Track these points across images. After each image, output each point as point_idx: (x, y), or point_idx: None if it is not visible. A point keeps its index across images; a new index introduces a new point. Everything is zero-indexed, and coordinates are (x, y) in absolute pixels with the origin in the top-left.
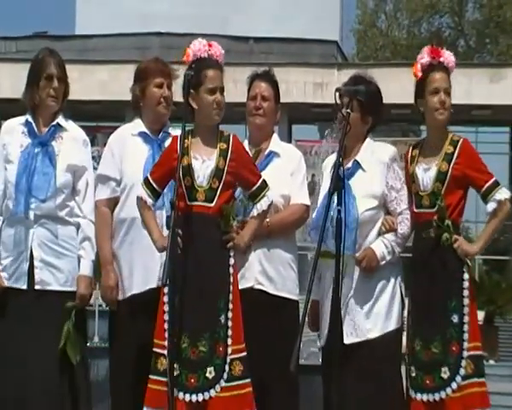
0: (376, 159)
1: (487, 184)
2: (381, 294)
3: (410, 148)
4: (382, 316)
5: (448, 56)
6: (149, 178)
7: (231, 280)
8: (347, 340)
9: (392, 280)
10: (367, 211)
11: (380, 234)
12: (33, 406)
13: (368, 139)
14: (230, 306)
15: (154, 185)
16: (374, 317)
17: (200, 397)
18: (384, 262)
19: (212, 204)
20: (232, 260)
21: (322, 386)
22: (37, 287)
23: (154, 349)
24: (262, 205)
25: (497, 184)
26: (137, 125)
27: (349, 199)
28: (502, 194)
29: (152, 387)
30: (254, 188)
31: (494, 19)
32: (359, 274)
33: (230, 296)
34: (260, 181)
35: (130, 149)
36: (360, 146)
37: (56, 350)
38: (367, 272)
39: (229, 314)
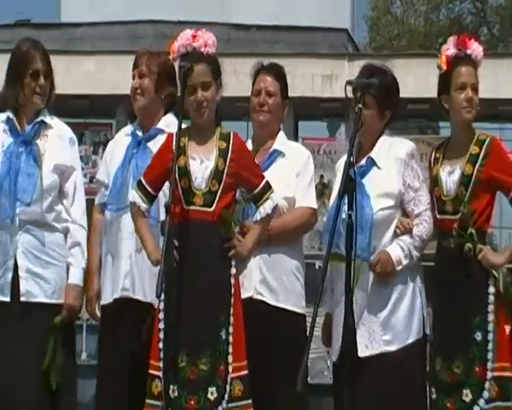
0: (393, 155)
1: None
2: (399, 302)
3: (434, 149)
4: (401, 326)
5: (476, 48)
6: (143, 180)
7: (232, 292)
8: (362, 353)
9: (411, 286)
10: (382, 211)
11: (395, 237)
12: None
13: (384, 135)
14: (231, 320)
15: (148, 188)
16: (392, 328)
17: None
18: (401, 267)
19: (212, 209)
20: (233, 270)
21: (332, 407)
22: (22, 299)
23: (150, 371)
24: (266, 208)
25: None
26: (135, 123)
27: (363, 198)
28: None
29: None
30: (257, 190)
31: None
32: (374, 280)
33: (231, 310)
34: (263, 182)
35: (118, 149)
36: (376, 142)
37: (40, 372)
38: (382, 277)
39: (230, 329)
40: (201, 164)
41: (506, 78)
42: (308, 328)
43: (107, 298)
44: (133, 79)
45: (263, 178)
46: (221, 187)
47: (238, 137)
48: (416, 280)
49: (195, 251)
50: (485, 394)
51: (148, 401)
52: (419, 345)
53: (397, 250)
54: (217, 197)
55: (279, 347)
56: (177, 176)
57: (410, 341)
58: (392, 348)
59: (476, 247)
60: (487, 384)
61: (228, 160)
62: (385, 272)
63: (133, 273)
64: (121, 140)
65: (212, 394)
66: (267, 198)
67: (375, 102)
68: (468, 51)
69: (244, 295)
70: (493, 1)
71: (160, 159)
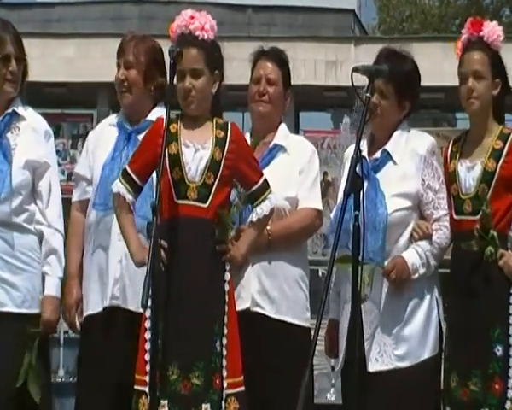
0: (411, 151)
1: None
2: (414, 314)
3: (451, 142)
4: (415, 341)
5: (490, 30)
6: (128, 169)
7: (227, 299)
8: (372, 367)
9: (428, 298)
10: (398, 211)
11: (411, 242)
12: None
13: (400, 128)
14: (225, 330)
15: (135, 177)
16: (405, 342)
17: None
18: (417, 275)
19: (206, 204)
20: (228, 276)
21: None
22: None
23: (135, 387)
24: (263, 209)
25: None
26: (120, 114)
27: (377, 196)
28: None
29: None
30: (255, 188)
31: None
32: (388, 289)
33: (226, 319)
34: (262, 180)
35: (103, 142)
36: (391, 135)
37: (13, 389)
38: (396, 285)
39: (224, 341)
40: (196, 153)
41: None
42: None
43: (92, 308)
44: (118, 68)
45: (262, 175)
46: (217, 180)
47: (237, 128)
48: (434, 290)
49: (186, 252)
50: None
51: None
52: (435, 362)
53: (414, 257)
54: (212, 192)
55: (280, 364)
56: (167, 165)
57: (424, 357)
58: (405, 364)
59: (498, 251)
60: (508, 404)
61: (226, 150)
62: (400, 279)
63: (124, 280)
64: (106, 131)
65: None
66: (265, 198)
67: (395, 92)
68: (481, 34)
69: (241, 306)
70: None
71: (147, 145)
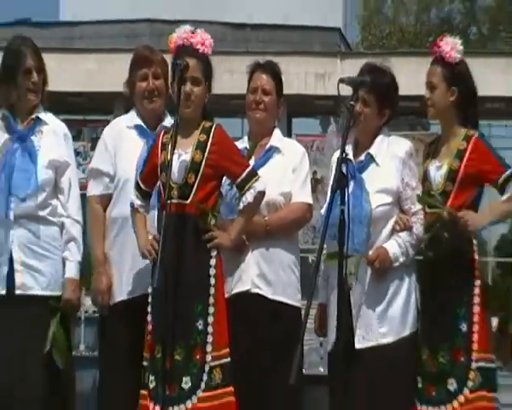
0: (391, 153)
1: (504, 175)
2: (395, 297)
3: (427, 145)
4: (397, 320)
5: (445, 45)
6: (138, 179)
7: (212, 282)
8: (359, 344)
9: (407, 282)
10: (380, 207)
11: (392, 233)
12: None
13: (382, 133)
14: (211, 310)
15: (142, 186)
16: (388, 321)
17: (176, 409)
18: (397, 264)
19: (188, 201)
20: (213, 261)
21: (325, 397)
22: (17, 292)
23: (143, 362)
24: (247, 198)
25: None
26: (133, 116)
27: (362, 193)
28: None
29: (141, 402)
30: (239, 180)
31: (508, 4)
32: (371, 275)
33: (211, 300)
34: (246, 172)
35: (124, 142)
36: (374, 140)
37: (40, 357)
38: (380, 273)
39: (210, 319)
40: (179, 158)
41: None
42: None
43: (127, 293)
44: (143, 78)
45: (246, 166)
46: (198, 179)
47: (220, 129)
48: (411, 277)
49: (173, 243)
50: (470, 383)
51: (141, 390)
52: (413, 338)
53: (395, 247)
54: (193, 189)
55: (275, 339)
56: (158, 172)
57: (404, 334)
58: (388, 340)
59: (456, 215)
60: (472, 374)
61: (207, 152)
62: (382, 267)
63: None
64: (124, 133)
65: (186, 383)
66: (249, 187)
67: (376, 101)
68: (439, 49)
69: (241, 288)
70: (482, 1)
71: (150, 157)
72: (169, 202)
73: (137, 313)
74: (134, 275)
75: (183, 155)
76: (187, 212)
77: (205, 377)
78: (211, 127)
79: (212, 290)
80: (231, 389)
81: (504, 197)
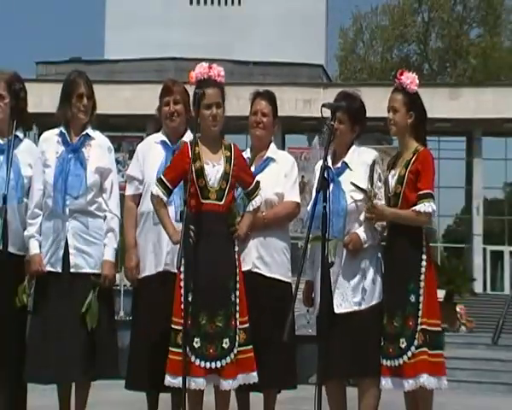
0: (361, 161)
1: (421, 192)
2: (366, 271)
3: (391, 158)
4: (367, 291)
5: (406, 78)
6: (163, 178)
7: (237, 264)
8: (338, 310)
9: (375, 260)
10: (354, 202)
11: (363, 222)
12: (71, 360)
13: (354, 145)
14: (237, 286)
15: (168, 184)
16: (361, 291)
17: (219, 364)
18: (366, 245)
19: (222, 202)
20: (236, 248)
21: (313, 354)
22: (71, 270)
23: (172, 326)
24: (256, 202)
25: (429, 196)
26: (160, 134)
27: (339, 192)
28: (425, 207)
29: (172, 358)
30: (250, 188)
31: (453, 47)
32: (347, 255)
33: (237, 278)
34: (255, 182)
35: (151, 154)
36: (347, 151)
37: (80, 315)
38: (353, 253)
39: (237, 293)
40: (213, 168)
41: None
42: (293, 292)
43: (149, 270)
44: (166, 104)
45: (254, 178)
46: (228, 186)
47: (237, 148)
48: (379, 257)
49: (209, 235)
50: (416, 342)
51: (171, 348)
52: (379, 306)
53: (364, 233)
54: (225, 193)
55: (271, 307)
56: (194, 176)
57: (373, 303)
58: (361, 307)
59: (373, 208)
60: (417, 335)
61: (232, 165)
62: (355, 248)
63: (173, 252)
64: (153, 147)
65: (226, 343)
66: (257, 194)
67: (349, 120)
68: (401, 81)
69: (244, 268)
70: (433, 43)
71: (178, 162)
72: (206, 202)
73: (158, 285)
74: (155, 257)
75: (216, 166)
76: (221, 210)
77: (237, 338)
78: (230, 145)
79: (237, 270)
80: (251, 347)
81: (414, 208)
